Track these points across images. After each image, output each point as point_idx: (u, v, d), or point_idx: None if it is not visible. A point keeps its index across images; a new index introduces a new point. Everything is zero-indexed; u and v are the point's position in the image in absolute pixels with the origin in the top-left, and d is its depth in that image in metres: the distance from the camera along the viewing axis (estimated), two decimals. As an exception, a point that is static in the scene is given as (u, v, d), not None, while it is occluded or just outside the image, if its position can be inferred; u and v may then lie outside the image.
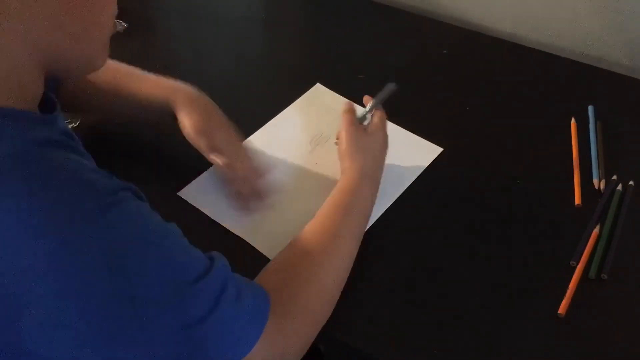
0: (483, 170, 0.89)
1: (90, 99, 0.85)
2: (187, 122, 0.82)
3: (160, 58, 1.10)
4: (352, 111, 0.86)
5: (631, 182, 0.85)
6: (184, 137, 0.83)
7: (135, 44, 1.09)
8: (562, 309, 0.72)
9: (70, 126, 0.92)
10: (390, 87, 0.87)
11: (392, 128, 0.90)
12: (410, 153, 0.90)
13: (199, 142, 0.82)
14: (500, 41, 1.11)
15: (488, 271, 0.77)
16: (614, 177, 0.86)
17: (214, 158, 0.82)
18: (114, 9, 0.60)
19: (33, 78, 0.56)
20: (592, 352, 0.70)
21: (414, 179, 0.87)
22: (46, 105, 0.60)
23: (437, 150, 0.90)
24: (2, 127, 0.51)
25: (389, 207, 0.84)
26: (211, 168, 0.87)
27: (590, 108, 0.96)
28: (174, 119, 0.84)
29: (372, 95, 0.87)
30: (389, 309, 0.74)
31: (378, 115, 0.86)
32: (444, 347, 0.70)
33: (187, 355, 0.55)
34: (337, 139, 0.86)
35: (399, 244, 0.80)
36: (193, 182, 0.86)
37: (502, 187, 0.86)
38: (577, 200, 0.84)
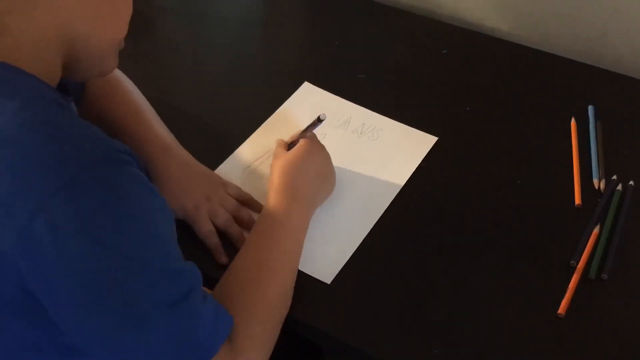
0: (483, 170, 0.89)
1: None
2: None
3: (160, 58, 1.10)
4: (282, 144, 0.84)
5: (631, 182, 0.85)
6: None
7: (135, 44, 1.09)
8: (562, 309, 0.72)
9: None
10: (316, 121, 0.80)
11: (384, 120, 0.92)
12: (405, 145, 0.91)
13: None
14: (500, 41, 1.11)
15: (488, 271, 0.77)
16: (614, 177, 0.86)
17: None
18: (130, 7, 0.65)
19: (54, 58, 0.59)
20: (592, 352, 0.70)
21: (411, 172, 0.87)
22: (62, 92, 0.62)
23: (432, 140, 0.91)
24: (21, 84, 0.54)
25: (393, 208, 0.84)
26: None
27: (590, 108, 0.96)
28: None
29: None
30: (389, 309, 0.74)
31: (302, 141, 0.82)
32: (444, 347, 0.70)
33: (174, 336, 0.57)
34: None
35: (399, 243, 0.80)
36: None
37: (502, 187, 0.87)
38: (577, 200, 0.84)
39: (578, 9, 1.06)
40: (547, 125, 0.95)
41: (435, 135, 0.93)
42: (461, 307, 0.74)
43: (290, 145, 0.84)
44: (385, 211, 0.83)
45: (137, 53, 1.08)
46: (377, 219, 0.82)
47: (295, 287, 0.75)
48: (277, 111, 0.97)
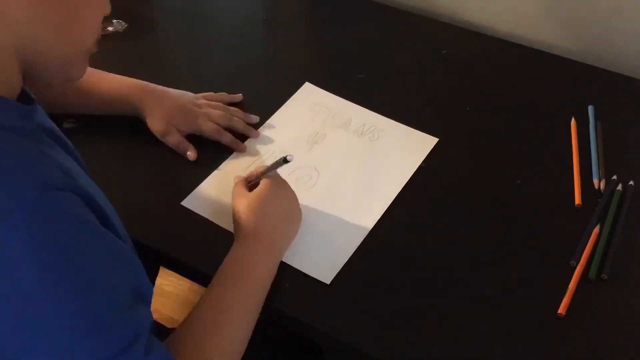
0: (482, 170, 0.89)
1: (61, 97, 0.87)
2: (153, 121, 0.89)
3: (160, 58, 1.10)
4: (241, 182, 0.82)
5: (631, 182, 0.85)
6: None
7: (135, 44, 1.09)
8: (562, 309, 0.72)
9: (68, 127, 0.92)
10: (280, 161, 0.77)
11: (385, 121, 0.92)
12: (406, 146, 0.91)
13: (168, 139, 0.89)
14: (500, 41, 1.11)
15: (488, 271, 0.77)
16: (614, 177, 0.86)
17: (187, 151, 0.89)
18: (99, 13, 0.61)
19: (12, 67, 0.56)
20: (592, 352, 0.70)
21: (412, 173, 0.87)
22: (23, 100, 0.60)
23: (432, 140, 0.91)
24: None
25: (392, 207, 0.84)
26: (211, 175, 0.88)
27: (590, 108, 0.96)
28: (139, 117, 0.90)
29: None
30: (389, 309, 0.74)
31: (264, 181, 0.79)
32: (443, 347, 0.70)
33: None
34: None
35: (398, 243, 0.80)
36: (194, 190, 0.86)
37: (502, 187, 0.87)
38: (577, 200, 0.84)
39: (578, 9, 1.06)
40: (547, 126, 0.95)
41: (436, 136, 0.93)
42: (461, 307, 0.74)
43: (250, 182, 0.81)
44: (386, 211, 0.83)
45: (137, 53, 1.08)
46: (377, 219, 0.82)
47: (295, 287, 0.75)
48: (278, 111, 0.97)
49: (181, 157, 0.90)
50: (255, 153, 0.91)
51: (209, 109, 0.92)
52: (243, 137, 0.92)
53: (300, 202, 0.81)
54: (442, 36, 1.12)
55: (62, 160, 0.56)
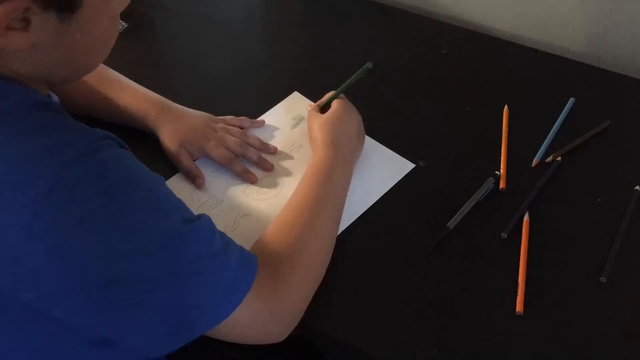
0: (483, 169, 0.88)
1: (77, 101, 0.87)
2: (166, 141, 0.88)
3: (160, 58, 1.10)
4: (314, 107, 0.91)
5: (637, 187, 0.85)
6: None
7: (135, 44, 1.09)
8: (518, 306, 0.73)
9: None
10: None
11: (367, 141, 0.91)
12: (381, 168, 0.88)
13: (178, 162, 0.87)
14: (500, 41, 1.11)
15: (488, 271, 0.77)
16: (637, 187, 0.86)
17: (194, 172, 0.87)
18: (111, 43, 0.62)
19: (38, 84, 0.60)
20: (592, 353, 0.70)
21: (379, 196, 0.85)
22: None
23: (409, 165, 0.88)
24: (10, 90, 0.55)
25: (391, 207, 0.84)
26: (178, 174, 0.88)
27: (570, 100, 0.97)
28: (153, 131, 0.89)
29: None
30: (389, 309, 0.74)
31: (337, 102, 0.89)
32: (443, 347, 0.70)
33: (176, 307, 0.56)
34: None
35: (398, 243, 0.80)
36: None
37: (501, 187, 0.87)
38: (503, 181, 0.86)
39: (578, 9, 1.06)
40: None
41: (435, 135, 0.92)
42: (461, 307, 0.74)
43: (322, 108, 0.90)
44: (382, 211, 0.83)
45: (137, 53, 1.08)
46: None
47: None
48: (261, 116, 0.96)
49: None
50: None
51: (224, 133, 0.89)
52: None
53: (256, 212, 0.83)
54: (442, 36, 1.12)
55: None
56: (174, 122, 0.88)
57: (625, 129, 0.95)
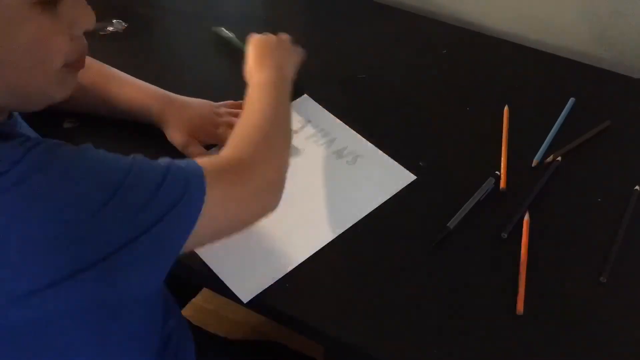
0: (482, 170, 0.88)
1: (79, 100, 0.86)
2: (173, 132, 0.88)
3: (160, 58, 1.10)
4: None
5: (637, 187, 0.85)
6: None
7: (135, 44, 1.09)
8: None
9: (69, 126, 0.92)
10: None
11: (368, 148, 0.91)
12: (380, 178, 0.87)
13: (189, 151, 0.88)
14: (500, 41, 1.11)
15: (488, 271, 0.77)
16: (636, 187, 0.86)
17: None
18: (59, 45, 0.56)
19: None
20: (591, 354, 0.70)
21: (376, 206, 0.84)
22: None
23: (409, 177, 0.87)
24: None
25: (392, 207, 0.84)
26: None
27: (570, 100, 0.97)
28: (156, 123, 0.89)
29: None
30: (389, 310, 0.74)
31: (251, 42, 0.91)
32: (443, 347, 0.70)
33: (151, 232, 0.55)
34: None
35: (398, 243, 0.80)
36: None
37: (501, 187, 0.87)
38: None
39: (578, 9, 1.06)
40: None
41: (436, 134, 0.93)
42: (461, 307, 0.74)
43: None
44: (381, 211, 0.83)
45: (137, 53, 1.08)
46: (320, 247, 0.79)
47: (295, 287, 0.75)
48: None
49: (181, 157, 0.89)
50: None
51: (230, 117, 0.91)
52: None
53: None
54: (442, 36, 1.12)
55: None
56: (179, 113, 0.89)
57: (626, 129, 0.95)
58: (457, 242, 0.80)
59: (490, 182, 0.85)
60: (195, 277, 0.78)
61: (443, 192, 0.86)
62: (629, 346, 0.70)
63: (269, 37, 0.92)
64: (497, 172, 0.87)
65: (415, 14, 1.17)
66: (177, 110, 0.89)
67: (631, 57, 1.07)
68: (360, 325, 0.72)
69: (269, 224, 0.80)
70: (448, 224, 0.80)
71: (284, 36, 0.94)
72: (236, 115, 0.92)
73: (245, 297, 0.73)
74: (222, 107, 0.94)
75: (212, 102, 0.93)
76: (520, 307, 0.73)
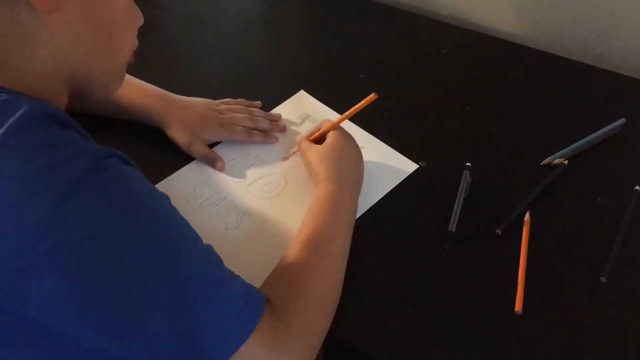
0: (482, 170, 0.88)
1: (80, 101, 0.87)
2: (176, 132, 0.88)
3: (160, 58, 1.10)
4: (304, 139, 0.87)
5: (637, 187, 0.85)
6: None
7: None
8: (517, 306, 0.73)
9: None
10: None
11: (370, 139, 0.91)
12: (383, 169, 0.88)
13: (193, 150, 0.88)
14: (500, 41, 1.11)
15: (487, 270, 0.77)
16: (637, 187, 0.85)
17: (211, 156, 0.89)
18: (133, 28, 0.66)
19: (59, 90, 0.60)
20: (589, 354, 0.70)
21: (379, 197, 0.84)
22: None
23: (412, 166, 0.88)
24: (19, 105, 0.53)
25: (392, 207, 0.84)
26: (178, 172, 0.88)
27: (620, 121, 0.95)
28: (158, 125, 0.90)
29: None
30: (388, 309, 0.74)
31: (334, 132, 0.84)
32: (443, 347, 0.70)
33: (183, 333, 0.54)
34: (296, 151, 0.88)
35: (397, 244, 0.80)
36: (160, 182, 0.86)
37: (501, 188, 0.86)
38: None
39: (578, 9, 1.06)
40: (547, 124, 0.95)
41: (435, 134, 0.93)
42: (461, 306, 0.74)
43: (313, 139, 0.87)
44: (379, 212, 0.83)
45: (137, 53, 1.07)
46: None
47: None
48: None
49: (183, 159, 0.89)
50: (230, 154, 0.90)
51: (231, 113, 0.92)
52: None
53: (258, 211, 0.83)
54: (442, 36, 1.12)
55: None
56: (180, 112, 0.89)
57: (625, 129, 0.95)
58: (457, 241, 0.80)
59: (466, 175, 0.85)
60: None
61: (443, 192, 0.86)
62: (628, 346, 0.70)
63: (348, 143, 0.85)
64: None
65: (415, 14, 1.17)
66: (179, 110, 0.89)
67: (631, 57, 1.07)
68: (360, 325, 0.72)
69: (272, 221, 0.81)
70: (450, 228, 0.80)
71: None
72: (236, 111, 0.92)
73: None
74: (222, 104, 0.94)
75: (212, 100, 0.93)
76: (519, 306, 0.73)
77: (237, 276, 0.60)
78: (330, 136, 0.84)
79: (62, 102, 0.62)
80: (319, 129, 0.87)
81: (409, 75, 1.04)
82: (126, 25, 0.64)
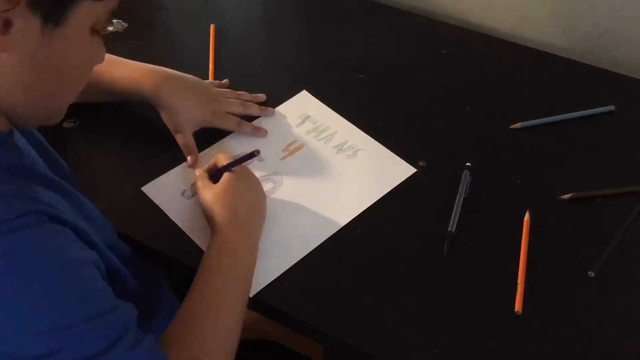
0: (482, 170, 0.88)
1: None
2: (167, 115, 0.88)
3: (160, 58, 1.10)
4: (203, 174, 0.82)
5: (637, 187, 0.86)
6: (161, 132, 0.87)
7: (135, 44, 1.09)
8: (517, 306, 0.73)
9: (68, 126, 0.92)
10: (248, 155, 0.81)
11: (369, 141, 0.91)
12: (381, 171, 0.88)
13: (178, 137, 0.88)
14: (500, 41, 1.11)
15: (487, 271, 0.77)
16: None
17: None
18: (85, 83, 0.62)
19: None
20: (587, 352, 0.70)
21: (376, 199, 0.84)
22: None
23: (409, 169, 0.88)
24: None
25: (384, 210, 0.84)
26: (177, 167, 0.88)
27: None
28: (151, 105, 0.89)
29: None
30: (388, 309, 0.74)
31: (227, 174, 0.79)
32: (443, 347, 0.70)
33: None
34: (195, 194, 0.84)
35: (397, 244, 0.80)
36: (157, 179, 0.86)
37: (501, 188, 0.87)
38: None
39: (578, 9, 1.06)
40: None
41: (435, 134, 0.93)
42: (461, 307, 0.74)
43: (212, 173, 0.82)
44: (380, 212, 0.83)
45: (137, 53, 1.08)
46: (322, 241, 0.79)
47: (294, 287, 0.75)
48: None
49: (154, 141, 0.90)
50: (231, 151, 0.90)
51: (223, 99, 0.92)
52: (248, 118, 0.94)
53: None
54: (442, 36, 1.12)
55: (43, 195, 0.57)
56: (174, 93, 0.87)
57: (625, 128, 0.95)
58: (456, 241, 0.80)
59: (466, 175, 0.85)
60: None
61: (443, 192, 0.86)
62: (627, 346, 0.70)
63: (245, 181, 0.80)
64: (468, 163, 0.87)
65: (415, 14, 1.17)
66: (172, 89, 0.87)
67: (631, 57, 1.06)
68: (360, 325, 0.72)
69: (270, 221, 0.81)
70: (449, 229, 0.80)
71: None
72: (226, 96, 0.93)
73: (251, 292, 0.74)
74: (213, 86, 0.94)
75: (205, 82, 0.94)
76: (519, 306, 0.73)
77: (143, 341, 0.59)
78: (224, 178, 0.79)
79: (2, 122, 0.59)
80: (214, 163, 0.83)
81: (408, 75, 1.04)
82: (77, 76, 0.61)
